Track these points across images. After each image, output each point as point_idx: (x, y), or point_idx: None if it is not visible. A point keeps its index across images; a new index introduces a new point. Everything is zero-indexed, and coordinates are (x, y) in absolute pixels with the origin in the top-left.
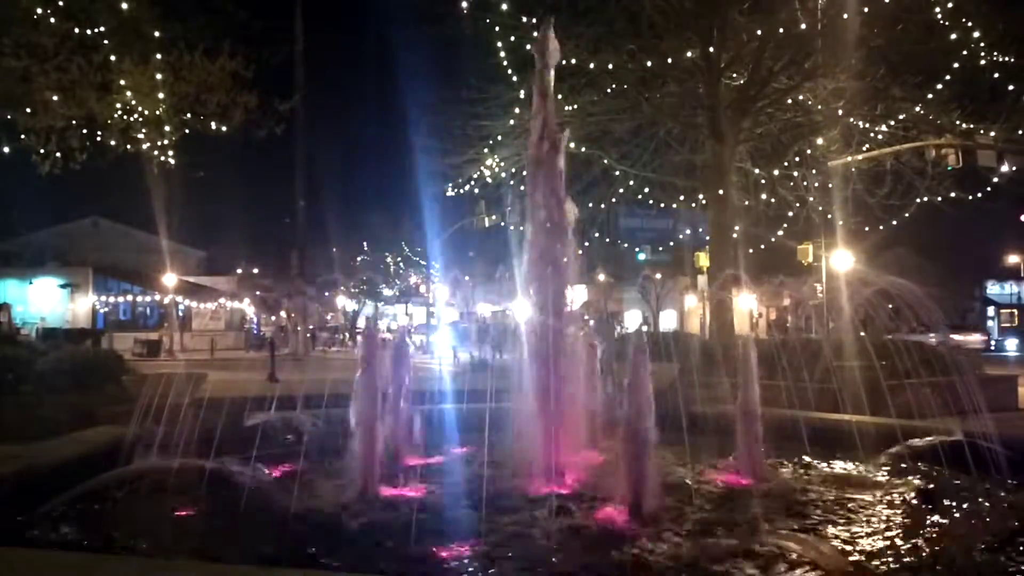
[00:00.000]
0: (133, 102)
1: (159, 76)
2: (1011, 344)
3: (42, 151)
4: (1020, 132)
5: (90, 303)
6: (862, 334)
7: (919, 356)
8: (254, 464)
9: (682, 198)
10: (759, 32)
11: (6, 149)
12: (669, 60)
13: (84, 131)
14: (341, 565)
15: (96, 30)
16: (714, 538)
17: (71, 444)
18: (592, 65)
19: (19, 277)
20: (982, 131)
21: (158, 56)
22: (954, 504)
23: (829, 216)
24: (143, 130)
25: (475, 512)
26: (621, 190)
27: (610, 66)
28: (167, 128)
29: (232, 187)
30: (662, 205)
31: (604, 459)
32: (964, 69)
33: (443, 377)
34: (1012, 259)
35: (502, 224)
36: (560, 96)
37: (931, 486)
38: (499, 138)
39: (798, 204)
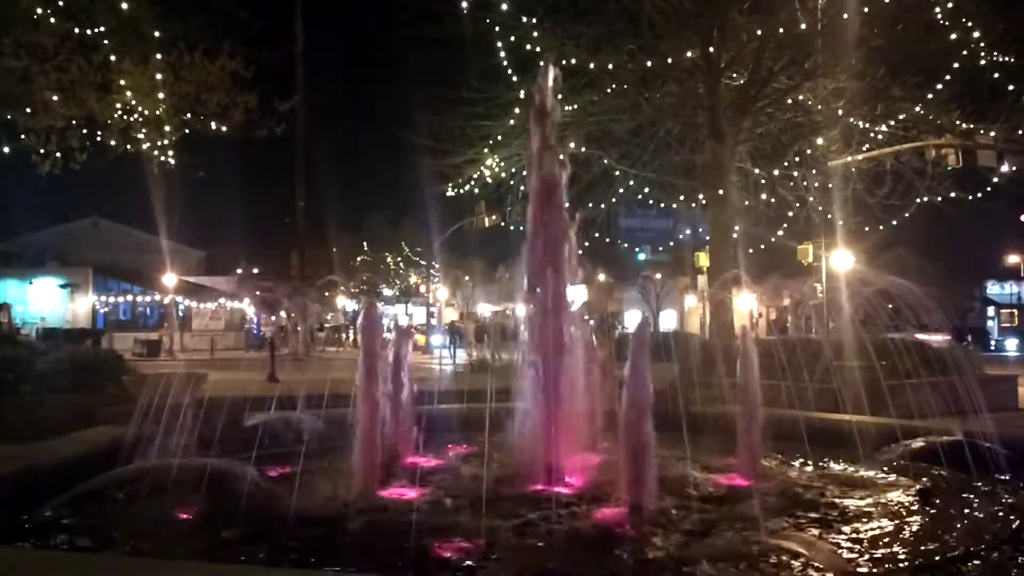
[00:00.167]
0: (133, 102)
1: (159, 76)
2: (1011, 344)
3: (42, 151)
4: (1020, 132)
5: (90, 303)
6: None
7: (919, 356)
8: (254, 464)
9: (682, 198)
10: (759, 32)
11: (6, 149)
12: (669, 60)
13: (84, 131)
14: (341, 565)
15: (96, 30)
16: (714, 538)
17: (71, 444)
18: (592, 65)
19: (19, 277)
20: (982, 131)
21: (158, 56)
22: (954, 504)
23: (829, 216)
24: (143, 130)
25: (475, 512)
26: (621, 190)
27: (610, 66)
28: (167, 128)
29: (232, 187)
30: (662, 205)
31: (604, 459)
32: (964, 69)
33: (443, 377)
34: (1012, 259)
35: (502, 224)
36: (560, 96)
37: (931, 486)
38: (499, 138)
39: (798, 204)
